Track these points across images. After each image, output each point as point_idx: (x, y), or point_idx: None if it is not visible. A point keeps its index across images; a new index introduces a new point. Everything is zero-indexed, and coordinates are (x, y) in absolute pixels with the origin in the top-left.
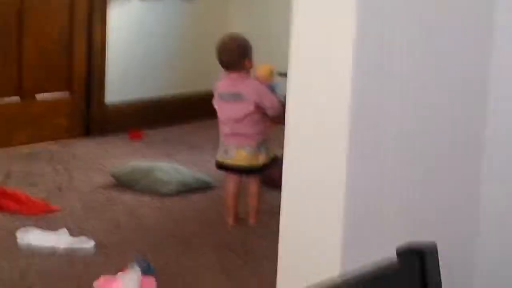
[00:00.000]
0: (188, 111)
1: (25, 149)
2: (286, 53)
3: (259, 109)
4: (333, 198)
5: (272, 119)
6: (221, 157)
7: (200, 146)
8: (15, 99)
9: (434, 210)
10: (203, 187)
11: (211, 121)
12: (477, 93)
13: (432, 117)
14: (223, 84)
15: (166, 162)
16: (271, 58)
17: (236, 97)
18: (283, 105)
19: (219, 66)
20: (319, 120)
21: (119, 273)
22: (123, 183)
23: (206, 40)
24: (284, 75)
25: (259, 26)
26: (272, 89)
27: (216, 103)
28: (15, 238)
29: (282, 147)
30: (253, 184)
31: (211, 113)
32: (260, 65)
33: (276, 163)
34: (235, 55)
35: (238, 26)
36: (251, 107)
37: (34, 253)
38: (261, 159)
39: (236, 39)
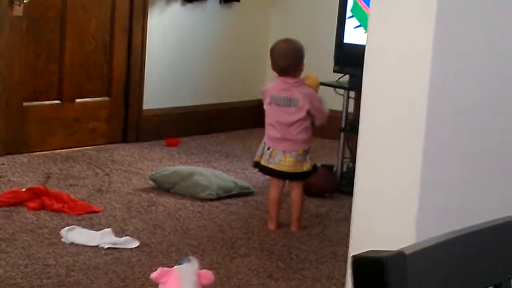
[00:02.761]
0: (224, 121)
1: (63, 152)
2: (328, 59)
3: (309, 116)
4: (407, 201)
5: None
6: (265, 161)
7: (237, 155)
8: (55, 102)
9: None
10: (242, 193)
11: (247, 131)
12: None
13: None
14: (276, 88)
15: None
16: (312, 65)
17: (290, 102)
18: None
19: (259, 73)
20: (395, 123)
21: (176, 265)
22: (162, 187)
23: (246, 47)
24: (326, 85)
25: (301, 32)
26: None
27: (267, 106)
28: (59, 236)
29: (320, 158)
30: (296, 191)
31: (248, 123)
32: (308, 75)
33: (316, 172)
34: (293, 59)
35: (279, 33)
36: (303, 114)
37: (79, 251)
38: (306, 167)
39: (293, 43)
